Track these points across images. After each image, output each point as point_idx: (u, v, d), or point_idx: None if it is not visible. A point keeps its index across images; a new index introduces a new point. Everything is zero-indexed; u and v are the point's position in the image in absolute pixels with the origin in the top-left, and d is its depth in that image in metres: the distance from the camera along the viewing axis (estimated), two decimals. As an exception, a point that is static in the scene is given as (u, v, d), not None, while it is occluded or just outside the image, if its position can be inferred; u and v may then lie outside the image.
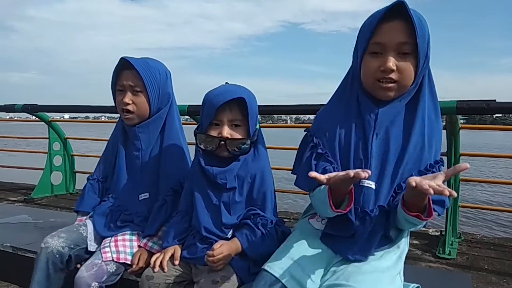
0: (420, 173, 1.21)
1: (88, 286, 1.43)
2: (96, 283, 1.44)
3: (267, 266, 1.21)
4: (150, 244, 1.57)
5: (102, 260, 1.50)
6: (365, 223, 1.23)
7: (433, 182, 0.96)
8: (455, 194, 0.93)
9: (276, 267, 1.19)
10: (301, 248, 1.27)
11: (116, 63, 1.60)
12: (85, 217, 1.73)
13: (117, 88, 1.64)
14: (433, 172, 1.20)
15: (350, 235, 1.25)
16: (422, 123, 1.25)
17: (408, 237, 1.36)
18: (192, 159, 1.69)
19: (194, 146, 1.51)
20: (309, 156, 1.32)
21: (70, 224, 1.70)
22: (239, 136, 1.41)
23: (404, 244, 1.32)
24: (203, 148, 1.43)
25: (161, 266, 1.40)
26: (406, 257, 2.11)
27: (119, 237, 1.60)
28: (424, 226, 1.26)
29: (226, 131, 1.39)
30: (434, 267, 2.19)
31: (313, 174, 1.06)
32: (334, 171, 1.24)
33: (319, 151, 1.30)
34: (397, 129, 1.25)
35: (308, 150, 1.33)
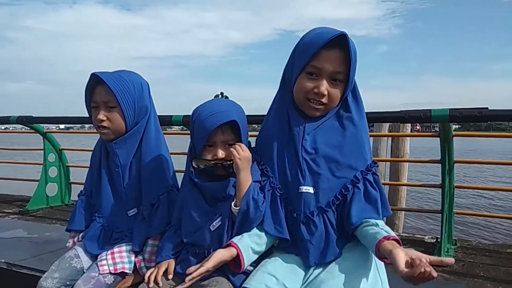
0: (362, 173, 1.33)
1: None
2: None
3: (245, 283, 1.26)
4: (142, 264, 1.57)
5: (99, 273, 1.49)
6: (311, 226, 1.32)
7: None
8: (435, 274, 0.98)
9: (253, 282, 1.25)
10: (276, 263, 1.34)
11: (88, 79, 1.55)
12: (77, 235, 1.71)
13: (92, 105, 1.60)
14: (373, 172, 1.34)
15: (305, 240, 1.32)
16: (352, 128, 1.37)
17: None
18: (174, 168, 1.70)
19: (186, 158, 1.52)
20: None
21: (65, 239, 1.69)
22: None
23: None
24: (198, 168, 1.43)
25: (155, 281, 1.40)
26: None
27: (116, 249, 1.59)
28: None
29: (221, 153, 1.40)
30: (430, 275, 2.18)
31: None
32: (271, 185, 1.38)
33: (261, 167, 1.43)
34: (326, 138, 1.37)
35: (258, 166, 1.46)
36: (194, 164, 1.44)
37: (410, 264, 1.03)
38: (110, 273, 1.51)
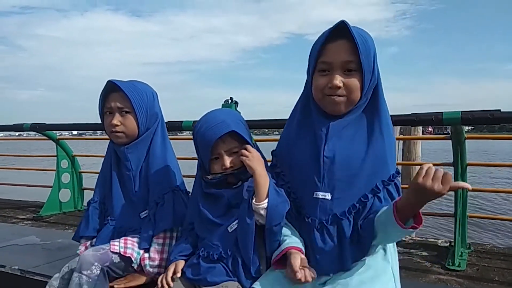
0: (384, 184, 1.28)
1: (90, 264, 1.48)
2: (99, 264, 1.49)
3: (255, 284, 1.27)
4: (146, 262, 1.59)
5: (110, 249, 1.55)
6: (325, 234, 1.28)
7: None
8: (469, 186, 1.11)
9: (263, 284, 1.26)
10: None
11: (103, 86, 1.64)
12: (89, 242, 1.73)
13: (105, 110, 1.68)
14: (395, 183, 1.31)
15: (317, 248, 1.29)
16: (379, 136, 1.30)
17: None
18: (181, 172, 1.75)
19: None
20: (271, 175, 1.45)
21: (78, 245, 1.72)
22: (241, 163, 1.41)
23: (389, 248, 1.33)
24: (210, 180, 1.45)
25: (167, 283, 1.41)
26: (415, 270, 2.10)
27: (129, 237, 1.64)
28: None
29: (228, 162, 1.41)
30: (444, 279, 2.16)
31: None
32: (287, 190, 1.37)
33: (277, 170, 1.43)
34: (350, 141, 1.31)
35: (271, 170, 1.45)
36: (208, 178, 1.44)
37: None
38: (119, 253, 1.56)
